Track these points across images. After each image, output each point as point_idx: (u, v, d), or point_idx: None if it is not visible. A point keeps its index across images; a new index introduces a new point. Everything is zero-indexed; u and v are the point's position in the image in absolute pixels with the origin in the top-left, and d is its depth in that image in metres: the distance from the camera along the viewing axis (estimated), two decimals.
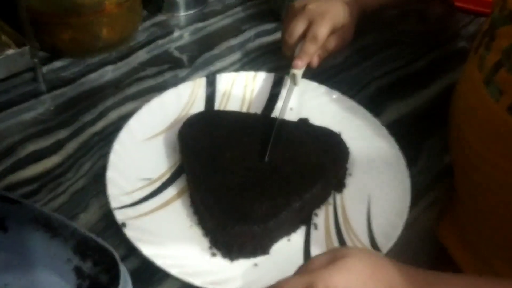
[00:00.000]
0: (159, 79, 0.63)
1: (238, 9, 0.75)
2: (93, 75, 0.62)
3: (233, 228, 0.43)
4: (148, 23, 0.71)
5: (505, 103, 0.44)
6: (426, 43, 0.71)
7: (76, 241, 0.41)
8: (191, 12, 0.74)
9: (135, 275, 0.42)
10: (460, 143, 0.52)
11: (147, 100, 0.58)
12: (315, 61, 0.60)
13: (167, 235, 0.45)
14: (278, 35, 0.70)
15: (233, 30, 0.71)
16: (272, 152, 0.49)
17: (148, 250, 0.43)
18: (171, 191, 0.49)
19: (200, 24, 0.72)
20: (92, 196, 0.49)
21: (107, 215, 0.47)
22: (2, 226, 0.43)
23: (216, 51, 0.67)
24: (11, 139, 0.54)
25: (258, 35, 0.71)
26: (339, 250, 0.40)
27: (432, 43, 0.71)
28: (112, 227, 0.46)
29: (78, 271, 0.42)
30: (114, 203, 0.46)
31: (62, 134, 0.55)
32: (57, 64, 0.64)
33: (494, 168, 0.47)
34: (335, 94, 0.59)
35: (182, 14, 0.73)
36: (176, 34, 0.70)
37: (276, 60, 0.66)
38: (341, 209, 0.49)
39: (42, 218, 0.42)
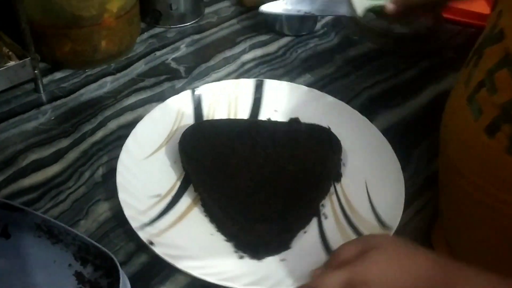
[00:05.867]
0: (157, 90, 0.64)
1: (233, 21, 0.77)
2: (92, 86, 0.64)
3: (258, 228, 0.45)
4: (146, 35, 0.73)
5: (483, 123, 0.44)
6: (415, 53, 0.73)
7: (77, 247, 0.43)
8: (187, 24, 0.76)
9: (133, 280, 0.44)
10: (444, 158, 0.53)
11: (146, 110, 0.60)
12: (391, 7, 0.58)
13: (193, 247, 0.46)
14: (271, 47, 0.73)
15: (228, 42, 0.73)
16: (273, 153, 0.52)
17: (182, 264, 0.44)
18: (182, 205, 0.50)
19: (196, 36, 0.74)
20: (92, 203, 0.50)
21: (107, 222, 0.49)
22: (4, 233, 0.45)
23: (212, 62, 0.69)
24: (13, 149, 0.55)
25: (252, 47, 0.72)
26: (368, 240, 0.42)
27: (422, 53, 0.73)
28: (111, 234, 0.48)
29: (79, 276, 0.43)
30: (133, 223, 0.46)
31: (63, 143, 0.56)
32: (58, 75, 0.65)
33: (472, 186, 0.47)
34: (316, 93, 0.62)
35: (179, 26, 0.75)
36: (173, 45, 0.72)
37: (270, 71, 0.68)
38: (343, 197, 0.52)
39: (43, 225, 0.43)
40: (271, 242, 0.46)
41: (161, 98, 0.63)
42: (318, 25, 0.77)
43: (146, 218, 0.47)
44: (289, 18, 0.73)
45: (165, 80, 0.66)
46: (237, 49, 0.72)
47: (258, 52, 0.72)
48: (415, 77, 0.69)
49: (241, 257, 0.46)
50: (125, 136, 0.57)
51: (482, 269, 0.39)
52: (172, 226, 0.47)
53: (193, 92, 0.60)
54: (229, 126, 0.55)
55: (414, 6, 0.61)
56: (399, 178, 0.52)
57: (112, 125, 0.59)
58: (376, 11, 0.59)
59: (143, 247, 0.47)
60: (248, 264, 0.45)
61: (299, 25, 0.74)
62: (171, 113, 0.58)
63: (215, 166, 0.50)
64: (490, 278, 0.39)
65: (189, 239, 0.46)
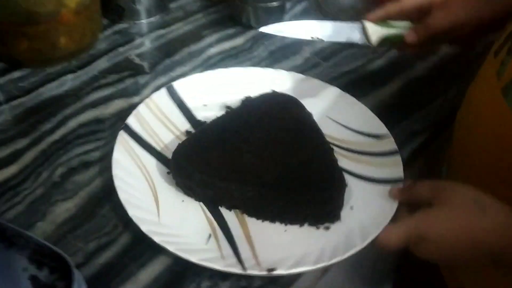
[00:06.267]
0: (120, 86, 0.62)
1: (199, 15, 0.76)
2: (52, 85, 0.62)
3: (327, 194, 0.48)
4: (109, 31, 0.71)
5: None
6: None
7: (31, 250, 0.41)
8: (152, 19, 0.74)
9: (93, 281, 0.42)
10: (465, 151, 0.49)
11: (107, 107, 0.59)
12: (411, 36, 0.52)
13: (287, 251, 0.45)
14: (238, 40, 0.72)
15: (194, 36, 0.71)
16: (264, 135, 0.52)
17: (304, 268, 0.44)
18: (236, 229, 0.47)
19: (161, 31, 0.72)
20: (50, 204, 0.48)
21: (65, 223, 0.47)
22: None
23: (177, 57, 0.68)
24: None
25: (219, 40, 0.71)
26: (441, 189, 0.42)
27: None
28: (69, 235, 0.46)
29: (34, 280, 0.41)
30: (236, 269, 0.43)
31: (20, 144, 0.54)
32: (16, 74, 0.63)
33: (497, 180, 0.44)
34: (223, 71, 0.62)
35: (144, 21, 0.74)
36: (137, 41, 0.70)
37: (237, 64, 0.67)
38: (328, 137, 0.55)
39: None
40: (337, 199, 0.48)
41: (124, 94, 0.61)
42: (286, 18, 0.76)
43: (232, 259, 0.44)
44: (256, 11, 0.72)
45: (128, 76, 0.64)
46: (203, 43, 0.70)
47: (225, 45, 0.70)
48: (383, 66, 0.69)
49: (327, 228, 0.47)
50: (85, 135, 0.56)
51: None
52: (253, 248, 0.45)
53: (125, 129, 0.53)
54: (202, 137, 0.52)
55: (439, 35, 0.53)
56: (350, 98, 0.59)
57: (72, 123, 0.57)
58: (394, 41, 0.55)
59: (102, 248, 0.45)
60: (337, 228, 0.47)
61: (266, 17, 0.73)
62: (127, 159, 0.51)
63: (233, 177, 0.47)
64: None
65: (275, 248, 0.46)
